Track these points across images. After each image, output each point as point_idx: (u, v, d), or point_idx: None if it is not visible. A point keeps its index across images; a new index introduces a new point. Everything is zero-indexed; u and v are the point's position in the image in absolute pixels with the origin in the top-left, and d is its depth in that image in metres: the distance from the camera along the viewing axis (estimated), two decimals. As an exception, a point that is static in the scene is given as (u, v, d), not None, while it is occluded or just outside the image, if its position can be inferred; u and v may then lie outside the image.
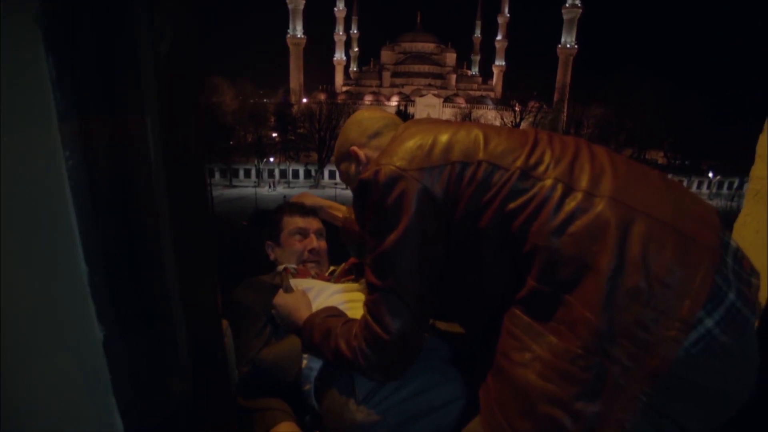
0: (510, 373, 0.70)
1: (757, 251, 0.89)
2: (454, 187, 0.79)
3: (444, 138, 0.83)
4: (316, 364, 1.03)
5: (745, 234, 0.93)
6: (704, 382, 0.64)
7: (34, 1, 0.48)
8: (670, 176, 0.78)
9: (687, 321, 0.60)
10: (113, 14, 0.53)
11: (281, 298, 1.17)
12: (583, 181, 0.72)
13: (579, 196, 0.70)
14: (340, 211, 1.48)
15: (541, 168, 0.75)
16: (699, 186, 40.24)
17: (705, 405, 0.66)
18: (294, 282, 1.24)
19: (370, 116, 1.04)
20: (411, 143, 0.84)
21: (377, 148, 0.97)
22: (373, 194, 0.83)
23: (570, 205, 0.70)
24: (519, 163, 0.76)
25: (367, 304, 0.87)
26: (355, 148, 1.01)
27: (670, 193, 0.72)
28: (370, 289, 0.86)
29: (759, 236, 0.89)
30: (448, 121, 0.93)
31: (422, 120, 0.98)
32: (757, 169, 0.90)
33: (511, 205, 0.74)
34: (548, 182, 0.73)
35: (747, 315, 0.64)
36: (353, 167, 1.03)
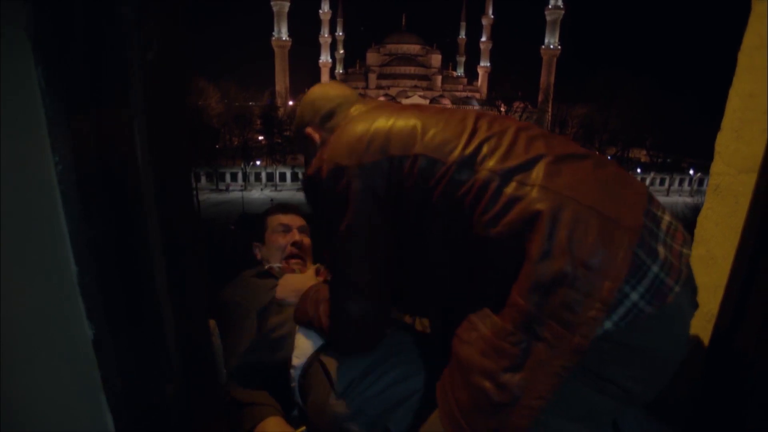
0: (458, 351, 0.76)
1: (717, 242, 0.94)
2: (395, 180, 0.82)
3: (382, 129, 0.85)
4: (300, 363, 1.05)
5: (706, 226, 0.98)
6: (636, 344, 0.68)
7: (24, 12, 0.50)
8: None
9: (606, 301, 0.65)
10: (101, 23, 0.55)
11: (291, 276, 1.24)
12: (517, 170, 0.75)
13: (513, 185, 0.74)
14: None
15: (477, 159, 0.78)
16: (680, 183, 41.04)
17: (641, 365, 0.70)
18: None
19: (322, 95, 1.04)
20: (351, 136, 0.87)
21: (330, 130, 0.98)
22: (318, 188, 0.87)
23: (505, 195, 0.73)
24: (455, 155, 0.79)
25: (329, 289, 0.94)
26: (309, 130, 1.02)
27: (599, 176, 0.75)
28: (330, 275, 0.93)
29: (719, 228, 0.95)
30: (389, 105, 0.95)
31: (368, 102, 1.00)
32: (716, 166, 0.96)
33: (450, 199, 0.78)
34: (484, 173, 0.76)
35: (670, 285, 0.68)
36: (310, 147, 1.04)
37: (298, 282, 1.19)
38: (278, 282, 1.21)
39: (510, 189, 0.74)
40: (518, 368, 0.67)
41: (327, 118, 1.00)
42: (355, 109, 0.97)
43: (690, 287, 0.71)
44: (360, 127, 0.87)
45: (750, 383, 0.86)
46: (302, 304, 1.07)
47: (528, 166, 0.75)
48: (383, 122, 0.86)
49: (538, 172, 0.74)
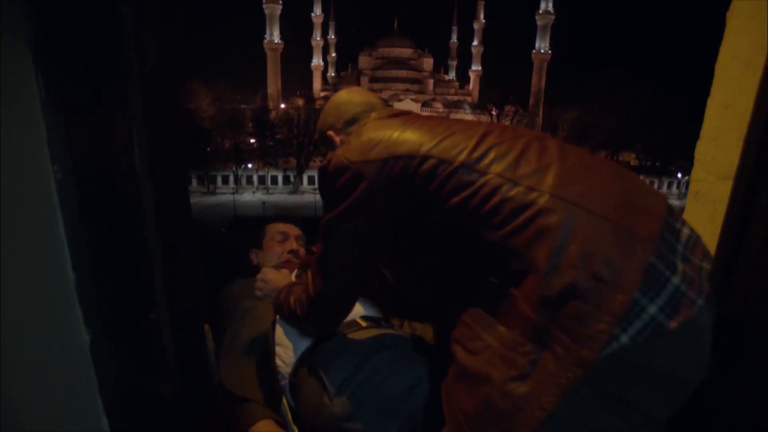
0: (463, 361, 0.75)
1: (697, 247, 0.98)
2: (399, 180, 0.82)
3: (394, 134, 0.86)
4: (290, 361, 1.06)
5: (686, 231, 1.01)
6: (657, 365, 0.65)
7: (26, 23, 0.52)
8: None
9: (617, 314, 0.62)
10: (102, 27, 0.57)
11: (269, 271, 1.26)
12: (527, 177, 0.73)
13: (521, 191, 0.72)
14: None
15: (485, 162, 0.77)
16: (669, 186, 41.68)
17: (663, 387, 0.67)
18: None
19: (348, 100, 1.06)
20: (365, 138, 0.89)
21: (350, 134, 1.00)
22: (324, 180, 0.91)
23: (512, 200, 0.72)
24: (462, 156, 0.78)
25: (309, 265, 0.99)
26: (331, 133, 1.05)
27: (616, 185, 0.73)
28: (315, 257, 0.97)
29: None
30: (407, 115, 0.97)
31: (390, 110, 1.02)
32: (696, 173, 1.00)
33: (455, 200, 0.77)
34: (490, 177, 0.75)
35: (692, 297, 0.65)
36: (330, 150, 1.05)
37: (277, 273, 1.24)
38: (257, 276, 1.24)
39: (518, 195, 0.72)
40: (524, 378, 0.66)
41: (349, 124, 1.03)
42: (376, 115, 1.00)
43: (712, 304, 0.68)
44: (372, 132, 0.90)
45: (735, 384, 0.89)
46: (278, 297, 1.10)
47: (539, 172, 0.74)
48: (395, 127, 0.88)
49: (549, 179, 0.72)
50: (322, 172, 0.91)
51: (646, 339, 0.63)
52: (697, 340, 0.68)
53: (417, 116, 0.95)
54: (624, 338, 0.62)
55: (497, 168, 0.75)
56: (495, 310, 0.73)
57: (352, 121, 1.03)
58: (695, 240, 0.72)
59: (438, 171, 0.79)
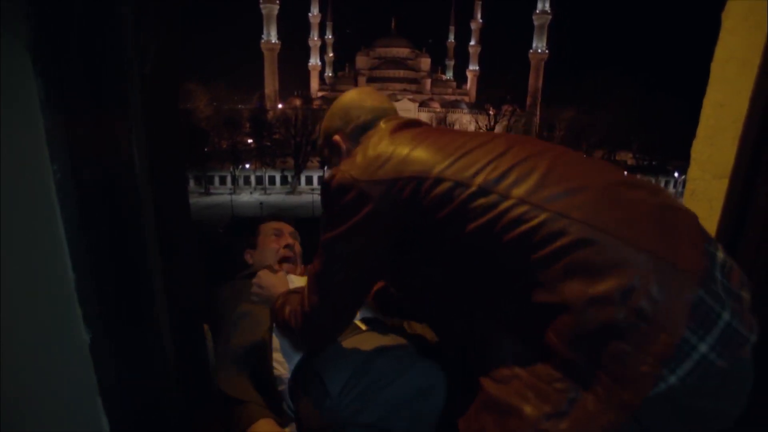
0: (489, 389, 0.71)
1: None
2: (408, 202, 0.77)
3: (404, 151, 0.81)
4: (289, 365, 1.06)
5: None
6: (706, 405, 0.62)
7: (26, 25, 0.52)
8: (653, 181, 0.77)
9: (662, 356, 0.58)
10: (100, 35, 0.57)
11: (265, 275, 1.22)
12: (554, 201, 0.67)
13: (549, 218, 0.66)
14: None
15: (506, 183, 0.71)
16: (666, 186, 41.95)
17: (708, 426, 0.64)
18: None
19: (358, 104, 0.98)
20: (372, 153, 0.83)
21: (359, 142, 0.94)
22: (327, 196, 0.86)
23: (540, 228, 0.66)
24: (480, 179, 0.72)
25: (307, 280, 0.95)
26: (337, 138, 0.98)
27: (653, 211, 0.67)
28: (309, 275, 0.94)
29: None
30: (418, 127, 0.91)
31: (401, 118, 0.95)
32: (692, 171, 1.01)
33: (473, 224, 0.71)
34: (514, 201, 0.69)
35: (745, 334, 0.61)
36: (334, 156, 1.00)
37: (274, 278, 1.21)
38: (253, 281, 1.23)
39: (547, 222, 0.66)
40: (562, 416, 0.62)
41: (359, 130, 0.96)
42: (385, 125, 0.93)
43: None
44: (381, 146, 0.84)
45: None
46: (274, 304, 1.08)
47: (568, 195, 0.68)
48: (406, 143, 0.82)
49: (579, 205, 0.66)
50: (326, 187, 0.87)
51: (697, 381, 0.59)
52: (746, 377, 0.64)
53: (429, 130, 0.89)
54: (672, 379, 0.58)
55: (520, 191, 0.69)
56: (521, 338, 0.69)
57: (363, 128, 0.95)
58: (731, 265, 0.66)
59: (454, 194, 0.73)
